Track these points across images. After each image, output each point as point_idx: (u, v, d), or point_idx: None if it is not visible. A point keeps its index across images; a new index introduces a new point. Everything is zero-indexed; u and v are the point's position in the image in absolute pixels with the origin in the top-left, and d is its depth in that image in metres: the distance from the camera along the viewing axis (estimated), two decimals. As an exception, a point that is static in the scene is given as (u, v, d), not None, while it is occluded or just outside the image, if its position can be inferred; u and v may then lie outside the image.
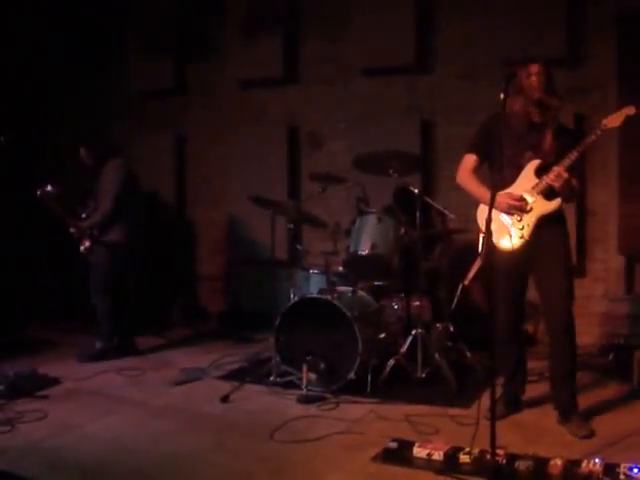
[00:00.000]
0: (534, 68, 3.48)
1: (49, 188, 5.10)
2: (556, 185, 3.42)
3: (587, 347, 5.11)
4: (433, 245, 5.28)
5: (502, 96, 3.10)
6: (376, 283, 4.98)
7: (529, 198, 3.51)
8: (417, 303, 4.75)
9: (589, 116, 5.30)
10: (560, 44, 5.49)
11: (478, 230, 3.68)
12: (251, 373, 4.59)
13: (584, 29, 5.56)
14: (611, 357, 4.73)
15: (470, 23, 5.87)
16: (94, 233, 5.27)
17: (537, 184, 3.50)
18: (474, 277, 3.97)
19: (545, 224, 3.52)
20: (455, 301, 4.78)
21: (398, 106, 6.17)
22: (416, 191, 4.57)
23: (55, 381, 4.59)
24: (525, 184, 3.54)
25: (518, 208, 3.50)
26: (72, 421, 3.82)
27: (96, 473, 3.17)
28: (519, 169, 3.56)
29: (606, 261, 5.60)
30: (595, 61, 5.54)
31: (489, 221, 2.90)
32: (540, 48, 5.32)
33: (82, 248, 5.31)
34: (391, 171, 4.60)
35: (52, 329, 6.31)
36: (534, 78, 3.47)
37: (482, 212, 3.68)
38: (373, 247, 4.54)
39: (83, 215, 5.37)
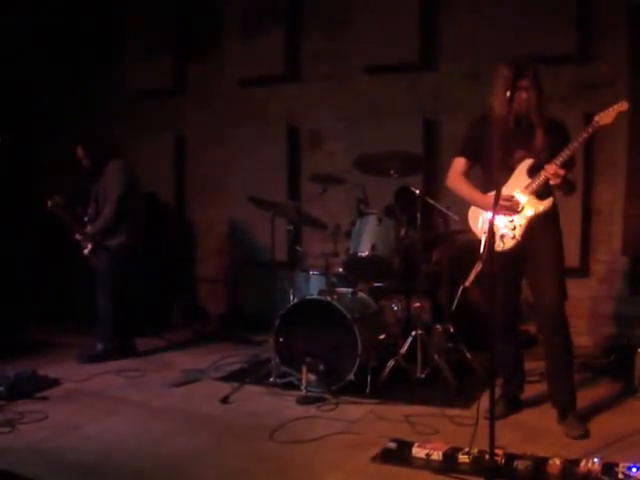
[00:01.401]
0: (524, 82, 3.42)
1: (58, 199, 5.15)
2: (554, 182, 3.41)
3: (591, 348, 5.12)
4: (434, 246, 5.28)
5: (508, 94, 3.12)
6: (376, 284, 4.99)
7: (521, 198, 3.52)
8: (417, 304, 4.75)
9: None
10: (570, 41, 5.42)
11: (471, 232, 3.69)
12: (251, 374, 4.59)
13: (594, 26, 5.48)
14: (613, 357, 4.73)
15: (476, 19, 5.79)
16: (97, 237, 5.29)
17: (530, 184, 3.50)
18: (475, 279, 3.97)
19: (538, 224, 3.52)
20: (455, 302, 4.80)
21: (400, 105, 6.10)
22: (417, 192, 4.57)
23: (55, 382, 4.59)
24: (518, 184, 3.54)
25: (509, 208, 3.50)
26: (72, 422, 3.83)
27: (97, 474, 3.17)
28: (511, 169, 3.56)
29: (610, 262, 5.60)
30: (606, 58, 5.46)
31: (492, 223, 2.90)
32: (548, 45, 5.29)
33: (85, 251, 5.32)
34: (392, 172, 4.59)
35: (52, 330, 6.31)
36: (524, 95, 3.43)
37: (473, 214, 3.70)
38: (373, 248, 4.54)
39: (85, 218, 5.37)
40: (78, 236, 5.31)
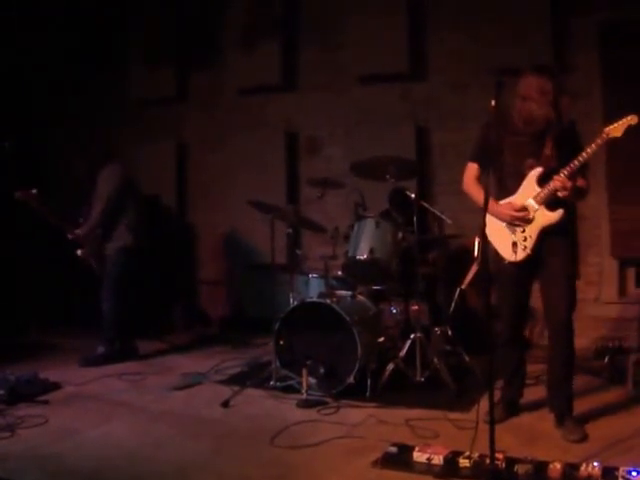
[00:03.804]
0: (547, 85, 3.45)
1: (33, 192, 5.09)
2: (563, 195, 3.41)
3: (581, 350, 5.08)
4: (430, 250, 5.30)
5: (493, 103, 3.14)
6: (375, 287, 5.00)
7: (532, 208, 3.50)
8: (415, 307, 4.76)
9: (576, 123, 5.31)
10: (547, 54, 5.58)
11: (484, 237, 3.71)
12: (251, 377, 4.60)
13: (569, 38, 5.68)
14: (606, 360, 4.75)
15: (462, 32, 5.98)
16: (95, 235, 5.29)
17: (539, 193, 3.48)
18: (471, 281, 4.00)
19: (549, 235, 3.51)
20: (453, 305, 4.82)
21: (394, 113, 6.26)
22: (412, 196, 4.60)
23: (56, 386, 4.59)
24: (527, 193, 3.53)
25: (520, 219, 3.51)
26: (73, 426, 3.83)
27: (97, 479, 3.17)
28: (521, 177, 3.55)
29: (599, 265, 5.64)
30: (580, 70, 5.63)
31: (483, 225, 2.92)
32: (527, 57, 5.37)
33: (78, 252, 5.34)
34: (388, 176, 4.62)
35: (53, 333, 6.32)
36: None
37: (488, 221, 3.69)
38: (371, 252, 4.55)
39: (81, 220, 5.39)
40: (70, 236, 5.32)
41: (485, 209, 2.98)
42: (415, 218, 4.52)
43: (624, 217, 5.38)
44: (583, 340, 5.30)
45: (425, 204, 4.92)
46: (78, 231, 5.31)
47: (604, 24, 5.47)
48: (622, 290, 5.57)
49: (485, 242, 2.94)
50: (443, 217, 4.93)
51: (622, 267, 5.57)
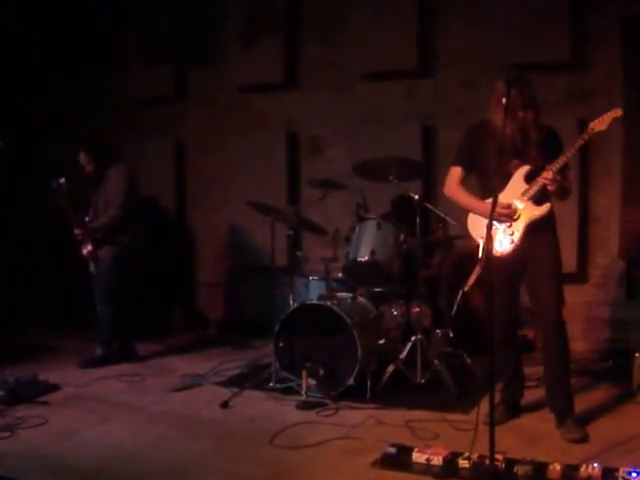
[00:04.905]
0: (520, 101, 3.45)
1: (62, 181, 5.10)
2: (552, 188, 3.45)
3: (587, 352, 5.13)
4: (433, 251, 5.29)
5: (504, 100, 3.14)
6: (376, 289, 4.99)
7: (519, 204, 3.55)
8: (417, 309, 4.76)
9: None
10: (563, 48, 5.48)
11: (471, 238, 3.72)
12: (251, 379, 4.60)
13: (588, 33, 5.55)
14: (611, 362, 4.74)
15: (471, 28, 5.87)
16: (98, 237, 5.28)
17: (527, 190, 3.54)
18: (474, 283, 3.98)
19: (536, 230, 3.55)
20: (455, 307, 4.80)
21: (398, 111, 6.16)
22: (416, 197, 4.58)
23: (55, 387, 4.59)
24: (515, 191, 3.57)
25: (507, 215, 3.54)
26: (72, 427, 3.83)
27: (96, 479, 3.17)
28: (507, 177, 3.59)
29: (607, 267, 5.61)
30: (600, 65, 5.53)
31: (490, 227, 2.92)
32: (543, 53, 5.36)
33: (84, 251, 5.32)
34: (391, 177, 4.61)
35: (52, 334, 6.31)
36: (520, 113, 3.48)
37: (472, 221, 3.73)
38: (373, 253, 4.55)
39: (86, 218, 5.37)
40: (77, 231, 5.28)
41: (492, 210, 2.98)
42: (418, 220, 4.50)
43: (636, 218, 5.34)
44: (589, 342, 5.32)
45: (429, 205, 4.90)
46: (88, 226, 5.27)
47: (626, 19, 5.35)
48: (630, 292, 5.53)
49: (489, 243, 2.94)
50: (447, 219, 4.92)
51: (630, 269, 5.54)
